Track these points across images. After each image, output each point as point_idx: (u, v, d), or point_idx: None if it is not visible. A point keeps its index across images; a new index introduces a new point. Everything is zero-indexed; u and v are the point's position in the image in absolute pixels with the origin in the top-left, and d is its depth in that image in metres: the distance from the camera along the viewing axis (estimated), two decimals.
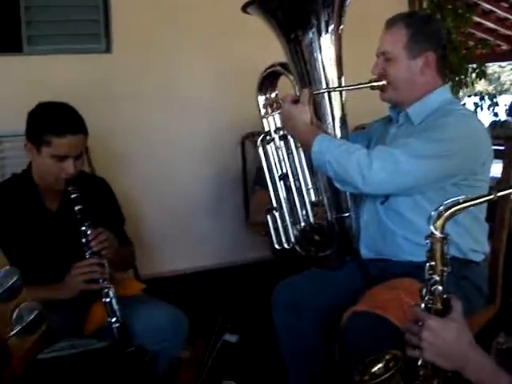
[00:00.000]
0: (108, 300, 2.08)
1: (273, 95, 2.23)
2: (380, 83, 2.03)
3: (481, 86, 6.73)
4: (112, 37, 3.10)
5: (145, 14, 3.09)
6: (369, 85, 2.04)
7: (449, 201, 1.33)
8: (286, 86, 2.20)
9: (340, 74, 2.07)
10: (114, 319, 2.08)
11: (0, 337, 1.16)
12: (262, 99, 2.25)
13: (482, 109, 5.10)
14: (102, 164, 2.98)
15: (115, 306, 2.08)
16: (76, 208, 2.10)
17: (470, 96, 5.53)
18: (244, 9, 2.04)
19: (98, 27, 3.11)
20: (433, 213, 1.34)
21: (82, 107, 2.91)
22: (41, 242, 2.18)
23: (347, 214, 2.12)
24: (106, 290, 2.09)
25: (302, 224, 2.18)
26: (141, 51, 3.11)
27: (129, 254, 2.45)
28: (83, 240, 2.10)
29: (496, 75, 16.99)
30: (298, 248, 2.21)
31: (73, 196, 2.11)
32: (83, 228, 2.10)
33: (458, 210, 1.32)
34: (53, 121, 2.10)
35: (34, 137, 2.13)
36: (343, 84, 2.08)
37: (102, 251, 2.11)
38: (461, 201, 1.33)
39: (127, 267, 2.51)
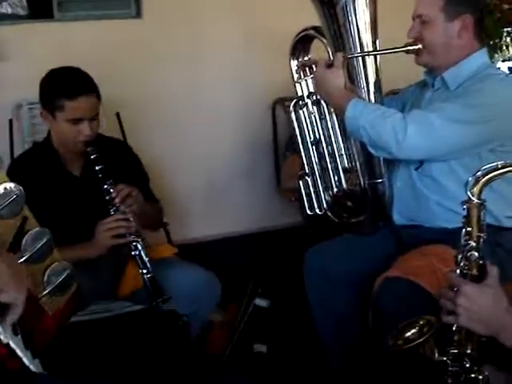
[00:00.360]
0: (137, 253, 2.12)
1: (306, 59, 2.20)
2: (415, 47, 1.99)
3: None
4: (142, 2, 3.07)
5: None
6: (404, 49, 2.00)
7: (487, 166, 1.32)
8: (319, 50, 2.18)
9: (375, 38, 2.03)
10: (144, 270, 2.12)
11: (33, 296, 1.19)
12: (294, 63, 2.22)
13: None
14: (134, 130, 2.99)
15: (145, 258, 2.13)
16: (97, 168, 2.13)
17: (504, 61, 5.38)
18: None
19: None
20: (470, 178, 1.34)
21: (112, 73, 2.96)
22: (68, 206, 2.21)
23: (380, 180, 2.10)
24: (134, 243, 2.13)
25: (335, 190, 2.17)
26: (171, 16, 3.08)
27: (156, 211, 2.46)
28: (107, 198, 2.14)
29: None
30: (329, 214, 2.21)
31: (92, 157, 2.14)
32: (105, 186, 2.13)
33: (496, 175, 1.31)
34: (63, 85, 2.11)
35: (47, 103, 2.16)
36: (378, 48, 2.05)
37: (127, 206, 2.13)
38: (499, 166, 1.31)
39: (156, 224, 2.52)
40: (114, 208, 2.13)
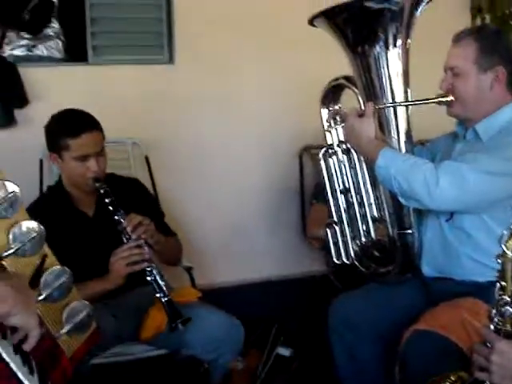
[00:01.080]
0: (153, 278, 2.12)
1: (336, 108, 2.21)
2: (448, 99, 1.99)
3: None
4: (175, 48, 3.14)
5: (208, 25, 3.12)
6: (436, 100, 2.00)
7: None
8: (350, 99, 2.19)
9: (406, 89, 2.04)
10: (161, 294, 2.11)
11: (51, 335, 1.18)
12: (325, 112, 2.24)
13: None
14: (162, 173, 3.02)
15: (161, 282, 2.12)
16: (106, 200, 2.15)
17: None
18: (311, 21, 2.04)
19: (162, 39, 3.17)
20: (505, 232, 1.31)
21: (143, 116, 3.01)
22: (83, 246, 2.23)
23: (410, 231, 2.08)
24: (150, 269, 2.13)
25: (363, 239, 2.16)
26: (203, 63, 3.14)
27: (173, 244, 2.46)
28: (118, 228, 2.15)
29: None
30: (357, 263, 2.19)
31: (102, 191, 2.17)
32: (116, 217, 2.14)
33: None
34: (66, 125, 2.17)
35: (53, 146, 2.21)
36: (409, 98, 2.06)
37: (139, 234, 2.14)
38: None
39: (174, 258, 2.51)
40: (127, 237, 2.15)
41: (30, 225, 1.17)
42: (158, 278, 2.13)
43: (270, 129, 3.30)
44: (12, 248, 1.10)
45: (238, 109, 3.24)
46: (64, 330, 1.19)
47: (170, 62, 3.16)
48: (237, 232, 3.28)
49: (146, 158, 3.01)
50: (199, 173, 3.20)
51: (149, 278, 2.12)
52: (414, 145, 2.19)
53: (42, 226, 1.18)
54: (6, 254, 1.10)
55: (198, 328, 2.15)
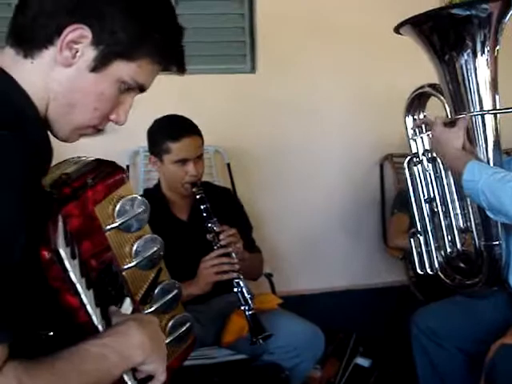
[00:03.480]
0: (239, 289, 2.13)
1: (421, 117, 2.19)
2: None
3: None
4: (257, 57, 3.18)
5: (289, 34, 3.14)
6: None
7: None
8: (435, 108, 2.16)
9: (494, 97, 1.99)
10: (246, 307, 2.12)
11: None
12: (410, 120, 2.21)
13: None
14: (243, 180, 3.07)
15: (247, 295, 2.13)
16: (202, 207, 2.19)
17: None
18: (397, 29, 2.02)
19: (244, 48, 3.21)
20: None
21: (225, 125, 3.05)
22: (175, 250, 2.23)
23: (497, 243, 2.02)
24: (237, 281, 2.14)
25: (448, 250, 2.12)
26: (283, 71, 3.16)
27: (257, 260, 2.48)
28: (210, 236, 2.18)
29: None
30: (441, 274, 2.15)
31: (198, 196, 2.21)
32: (209, 224, 2.17)
33: None
34: (167, 129, 2.25)
35: (154, 149, 2.29)
36: (497, 107, 2.01)
37: (230, 244, 2.17)
38: None
39: (255, 275, 2.52)
40: (217, 246, 2.17)
41: (151, 236, 1.19)
42: (244, 290, 2.13)
43: (351, 137, 3.29)
44: (133, 261, 1.14)
45: (319, 117, 3.24)
46: (166, 341, 1.22)
47: (251, 71, 3.20)
48: (317, 240, 3.28)
49: (228, 166, 3.05)
50: (280, 180, 3.22)
51: (235, 290, 2.14)
52: (503, 155, 2.14)
53: (161, 239, 1.21)
54: (126, 266, 1.13)
55: (280, 335, 2.16)
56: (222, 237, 2.17)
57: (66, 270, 0.95)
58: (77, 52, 0.99)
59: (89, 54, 1.00)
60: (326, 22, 3.17)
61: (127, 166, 2.95)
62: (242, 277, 2.15)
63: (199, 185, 2.25)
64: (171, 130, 2.25)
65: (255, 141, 3.16)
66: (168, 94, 3.06)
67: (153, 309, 1.20)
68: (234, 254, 2.17)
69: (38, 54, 1.00)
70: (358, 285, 3.32)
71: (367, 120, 3.26)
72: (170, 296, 1.24)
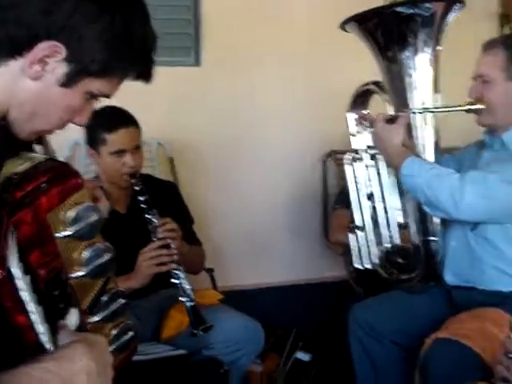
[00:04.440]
0: (179, 281, 2.12)
1: (364, 113, 2.21)
2: (478, 107, 1.98)
3: None
4: (201, 50, 3.15)
5: (235, 28, 3.12)
6: (465, 108, 1.99)
7: None
8: (378, 105, 2.19)
9: (435, 95, 2.04)
10: (186, 299, 2.11)
11: None
12: (352, 117, 2.23)
13: None
14: (185, 175, 3.03)
15: (187, 286, 2.12)
16: (141, 198, 2.17)
17: None
18: (342, 26, 2.04)
19: (189, 41, 3.17)
20: None
21: (168, 118, 3.02)
22: (113, 243, 2.22)
23: (434, 238, 2.07)
24: (176, 272, 2.12)
25: (386, 245, 2.15)
26: (229, 65, 3.14)
27: (197, 254, 2.46)
28: (149, 227, 2.15)
29: None
30: (379, 269, 2.18)
31: (137, 188, 2.19)
32: (148, 216, 2.15)
33: None
34: (103, 120, 2.19)
35: (91, 141, 2.26)
36: (439, 105, 2.05)
37: (169, 237, 2.14)
38: None
39: (196, 268, 2.50)
40: (156, 237, 2.15)
41: (104, 246, 1.15)
42: (183, 281, 2.12)
43: (294, 133, 3.29)
44: (83, 270, 1.10)
45: (263, 112, 3.23)
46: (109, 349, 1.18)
47: (196, 64, 3.17)
48: (260, 235, 3.27)
49: (171, 160, 3.02)
50: (224, 175, 3.19)
51: (175, 281, 2.12)
52: (441, 153, 2.19)
53: (112, 247, 1.18)
54: (75, 275, 1.09)
55: (219, 330, 2.15)
56: (160, 229, 2.14)
57: (17, 289, 0.91)
58: (46, 65, 0.98)
59: (60, 69, 0.99)
60: (273, 16, 3.17)
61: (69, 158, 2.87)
62: (181, 268, 2.14)
63: (138, 176, 2.23)
64: (107, 121, 2.20)
65: (199, 135, 3.12)
66: None
67: (99, 318, 1.16)
68: (172, 245, 2.15)
69: (4, 61, 0.98)
70: (299, 280, 3.32)
71: (311, 116, 3.26)
72: (118, 305, 1.20)
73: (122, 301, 1.21)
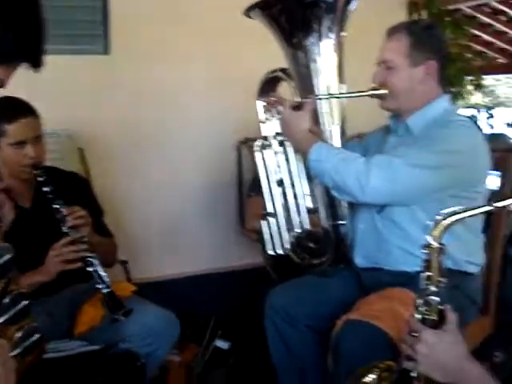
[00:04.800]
0: (94, 269, 2.09)
1: (272, 100, 2.21)
2: (381, 92, 2.02)
3: (476, 98, 6.76)
4: (110, 38, 3.07)
5: (144, 16, 3.06)
6: (369, 93, 2.03)
7: (447, 210, 1.33)
8: (286, 91, 2.20)
9: (341, 82, 2.06)
10: (103, 285, 2.08)
11: None
12: (261, 104, 2.24)
13: (477, 121, 5.14)
14: (98, 166, 2.95)
15: (102, 273, 2.09)
16: (46, 189, 2.12)
17: (466, 108, 5.56)
18: (246, 13, 2.03)
19: (97, 28, 3.09)
20: (430, 222, 1.34)
21: (77, 108, 2.93)
22: (20, 239, 2.13)
23: (343, 222, 2.10)
24: (90, 260, 2.09)
25: (297, 230, 2.17)
26: (139, 53, 3.08)
27: (109, 245, 2.42)
28: (58, 217, 2.10)
29: (491, 88, 17.10)
30: (291, 254, 2.20)
31: (41, 179, 2.13)
32: (56, 205, 2.10)
33: (456, 220, 1.32)
34: (1, 111, 2.14)
35: None
36: (344, 91, 2.07)
37: (79, 224, 2.11)
38: (459, 211, 1.32)
39: (108, 260, 2.42)
40: (66, 228, 2.10)
41: (4, 246, 1.11)
42: (98, 268, 2.09)
43: (208, 122, 3.28)
44: None
45: (174, 101, 3.19)
46: (12, 354, 1.14)
47: (105, 53, 3.09)
48: (174, 225, 3.24)
49: (80, 151, 2.93)
50: (135, 166, 3.14)
51: (90, 269, 2.09)
52: (350, 139, 2.22)
53: (12, 247, 1.12)
54: None
55: (133, 322, 2.12)
56: (69, 218, 2.10)
57: None
58: None
59: None
60: (183, 5, 3.13)
61: None
62: (95, 255, 2.10)
63: (41, 167, 2.16)
64: (5, 112, 2.14)
65: (110, 125, 3.05)
66: (16, 75, 2.89)
67: (1, 321, 1.12)
68: (84, 236, 2.11)
69: None
70: (217, 268, 3.32)
71: (225, 105, 3.25)
72: (20, 307, 1.16)
73: (26, 302, 1.18)
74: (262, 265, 3.08)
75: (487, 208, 1.33)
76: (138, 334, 2.14)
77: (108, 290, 2.08)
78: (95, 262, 2.09)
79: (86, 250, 2.09)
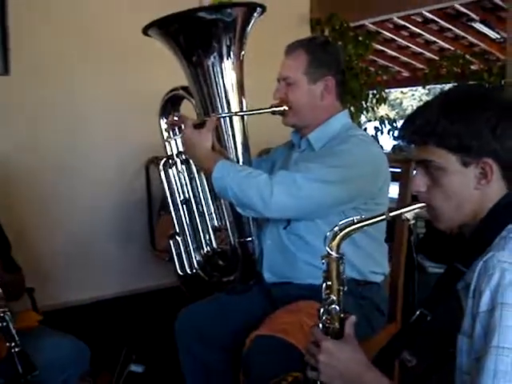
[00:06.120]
0: (4, 324, 1.95)
1: (174, 119, 2.20)
2: (281, 108, 2.05)
3: (383, 111, 6.99)
4: (10, 59, 2.98)
5: (46, 36, 3.00)
6: (270, 110, 2.06)
7: (343, 221, 1.36)
8: (190, 109, 2.20)
9: (241, 99, 2.08)
10: (12, 344, 1.94)
11: None
12: (164, 122, 2.23)
13: (382, 133, 5.29)
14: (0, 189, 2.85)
15: (13, 331, 1.96)
16: None
17: (370, 121, 5.72)
18: (145, 31, 2.02)
19: None
20: (328, 233, 1.37)
21: None
22: None
23: (250, 239, 2.11)
24: (1, 315, 1.96)
25: (206, 249, 2.17)
26: (41, 73, 3.00)
27: (18, 281, 2.32)
28: None
29: (398, 101, 17.74)
30: (201, 273, 2.19)
31: None
32: None
33: (353, 230, 1.36)
34: None
35: None
36: (245, 109, 2.09)
37: None
38: (355, 221, 1.36)
39: (17, 295, 2.34)
40: None
41: None
42: (10, 325, 1.95)
43: (116, 141, 3.23)
44: None
45: (81, 122, 3.13)
46: None
47: (4, 73, 2.99)
48: (84, 248, 3.15)
49: None
50: (40, 190, 3.04)
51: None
52: (259, 155, 2.24)
53: None
54: None
55: (40, 354, 2.02)
56: None
57: None
58: None
59: None
60: (86, 23, 3.08)
61: None
62: (7, 311, 1.96)
63: None
64: None
65: (11, 148, 2.94)
66: None
67: None
68: None
69: None
70: (129, 290, 3.26)
71: (132, 124, 3.22)
72: None
73: None
74: (175, 284, 3.07)
75: (381, 217, 1.37)
76: (45, 366, 2.06)
77: (18, 349, 1.94)
78: (6, 317, 1.95)
79: None
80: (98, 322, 2.90)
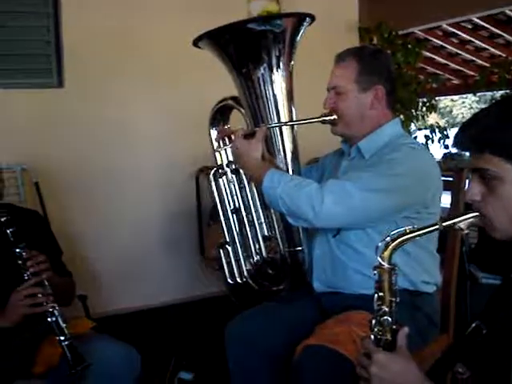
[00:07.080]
0: (54, 319, 2.02)
1: (224, 129, 2.23)
2: (331, 117, 2.05)
3: (433, 119, 6.90)
4: (64, 71, 3.06)
5: (98, 49, 3.07)
6: (320, 119, 2.06)
7: (395, 231, 1.34)
8: (239, 119, 2.21)
9: (291, 109, 2.09)
10: (62, 337, 2.01)
11: None
12: (214, 133, 2.26)
13: (432, 141, 5.22)
14: (54, 200, 2.93)
15: (62, 324, 2.02)
16: (8, 231, 2.05)
17: (420, 129, 5.65)
18: (195, 43, 2.05)
19: (50, 62, 3.07)
20: (380, 244, 1.36)
21: (32, 142, 2.91)
22: None
23: (300, 248, 2.11)
24: (51, 310, 2.02)
25: (255, 258, 2.17)
26: (93, 86, 3.08)
27: (68, 285, 2.38)
28: (19, 262, 2.04)
29: (448, 109, 17.49)
30: (251, 282, 2.20)
31: (2, 219, 2.06)
32: (18, 250, 2.04)
33: (405, 240, 1.34)
34: None
35: None
36: (294, 118, 2.10)
37: (41, 272, 2.05)
38: (407, 231, 1.34)
39: (67, 300, 2.40)
40: (28, 273, 2.04)
41: None
42: (59, 319, 2.01)
43: (164, 152, 3.27)
44: None
45: (132, 133, 3.19)
46: None
47: (59, 86, 3.08)
48: (136, 257, 3.21)
49: (36, 184, 2.90)
50: (93, 199, 3.11)
51: (49, 319, 2.01)
52: (308, 163, 2.23)
53: None
54: None
55: (94, 360, 2.05)
56: (30, 263, 2.04)
57: None
58: None
59: None
60: (135, 37, 3.15)
61: None
62: (56, 306, 2.03)
63: (2, 206, 2.10)
64: None
65: (66, 159, 3.02)
66: None
67: None
68: (46, 282, 2.05)
69: None
70: (179, 299, 3.29)
71: (182, 134, 3.26)
72: None
73: None
74: (224, 293, 3.09)
75: (435, 227, 1.35)
76: (97, 373, 2.09)
77: (67, 342, 2.01)
78: (56, 312, 2.02)
79: (48, 294, 2.03)
80: (149, 330, 2.94)
